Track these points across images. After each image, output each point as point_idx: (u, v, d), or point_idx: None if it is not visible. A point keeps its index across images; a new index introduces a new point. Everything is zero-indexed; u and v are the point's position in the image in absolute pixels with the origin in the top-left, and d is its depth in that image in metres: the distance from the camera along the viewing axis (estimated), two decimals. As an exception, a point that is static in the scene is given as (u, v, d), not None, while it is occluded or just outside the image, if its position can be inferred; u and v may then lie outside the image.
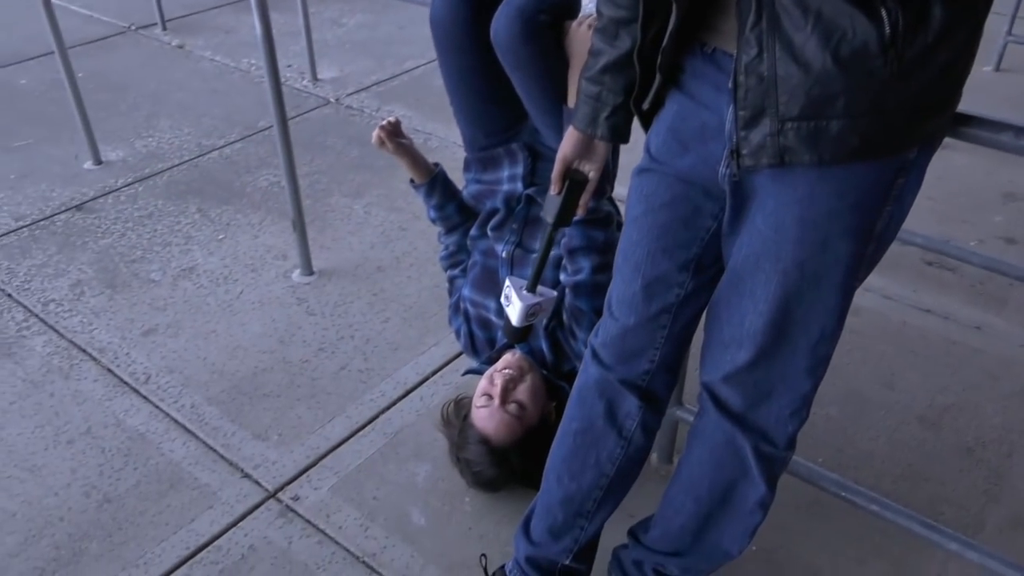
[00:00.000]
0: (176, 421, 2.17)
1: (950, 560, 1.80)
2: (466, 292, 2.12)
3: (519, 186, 2.04)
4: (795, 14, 1.00)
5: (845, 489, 1.66)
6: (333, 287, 2.66)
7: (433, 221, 2.22)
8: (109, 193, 3.16)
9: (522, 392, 1.85)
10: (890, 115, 1.04)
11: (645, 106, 1.27)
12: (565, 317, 1.92)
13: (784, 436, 1.35)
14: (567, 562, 1.60)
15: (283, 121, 2.40)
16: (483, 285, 2.08)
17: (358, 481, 2.01)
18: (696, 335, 1.44)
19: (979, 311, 2.54)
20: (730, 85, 1.09)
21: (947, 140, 1.20)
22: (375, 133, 2.08)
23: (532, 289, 1.61)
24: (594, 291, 1.85)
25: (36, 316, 2.54)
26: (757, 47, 1.04)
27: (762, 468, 1.36)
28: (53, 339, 2.45)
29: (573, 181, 1.41)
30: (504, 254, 2.05)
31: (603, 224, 1.89)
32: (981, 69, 4.00)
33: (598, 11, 1.26)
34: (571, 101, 1.82)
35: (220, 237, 2.91)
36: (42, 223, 2.98)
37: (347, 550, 1.85)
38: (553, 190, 1.43)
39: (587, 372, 1.49)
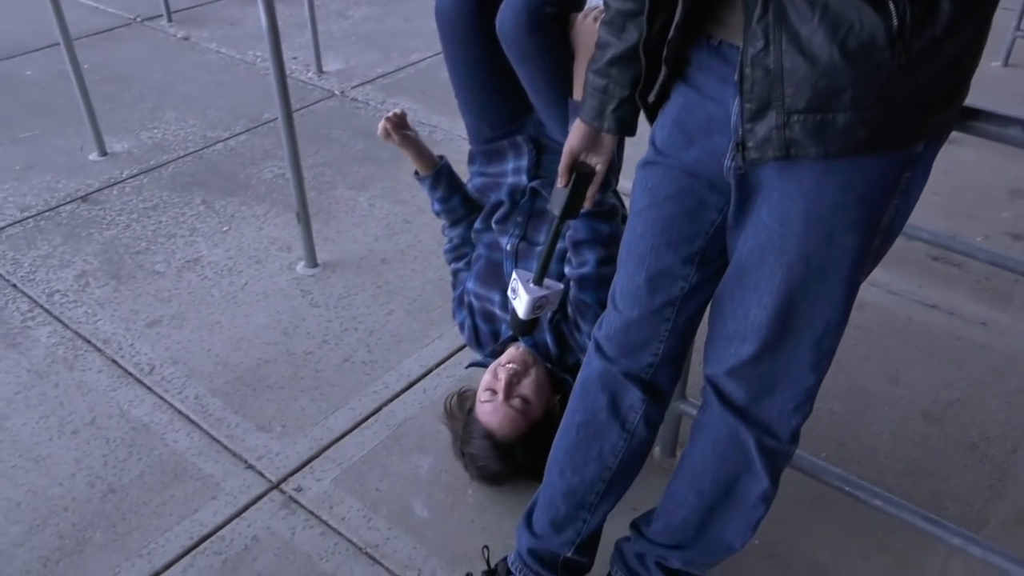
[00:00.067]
0: (180, 412, 2.18)
1: (953, 555, 1.80)
2: (470, 285, 2.12)
3: (524, 179, 2.04)
4: (802, 7, 0.99)
5: (848, 484, 1.66)
6: (337, 279, 2.66)
7: (437, 214, 2.22)
8: (114, 184, 3.16)
9: (526, 386, 1.85)
10: (897, 108, 1.03)
11: (650, 99, 1.27)
12: (570, 310, 1.92)
13: (788, 430, 1.34)
14: (569, 554, 1.60)
15: (288, 113, 2.40)
16: (487, 278, 2.08)
17: (361, 473, 2.01)
18: (700, 328, 1.44)
19: (985, 307, 2.53)
20: (736, 78, 1.08)
21: (954, 135, 1.19)
22: (381, 124, 2.08)
23: (539, 282, 1.60)
24: (599, 284, 1.85)
25: (41, 307, 2.54)
26: (763, 39, 1.03)
27: (765, 462, 1.36)
28: (58, 330, 2.45)
29: (580, 174, 1.41)
30: (508, 247, 2.04)
31: (608, 217, 1.89)
32: (989, 64, 3.99)
33: (605, 3, 1.26)
34: (577, 94, 1.82)
35: (225, 229, 2.91)
36: (47, 214, 2.99)
37: (350, 541, 1.85)
38: (560, 183, 1.42)
39: (590, 365, 1.48)
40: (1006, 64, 4.04)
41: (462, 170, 2.20)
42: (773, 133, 1.07)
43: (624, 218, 1.89)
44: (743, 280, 1.24)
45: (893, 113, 1.03)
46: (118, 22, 4.64)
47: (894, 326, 2.46)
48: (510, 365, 1.86)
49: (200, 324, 2.48)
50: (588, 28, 1.77)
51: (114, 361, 2.34)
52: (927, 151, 1.11)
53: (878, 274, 1.37)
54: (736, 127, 1.12)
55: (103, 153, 3.33)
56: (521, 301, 1.62)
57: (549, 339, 1.96)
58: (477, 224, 2.13)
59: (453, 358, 2.35)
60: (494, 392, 1.84)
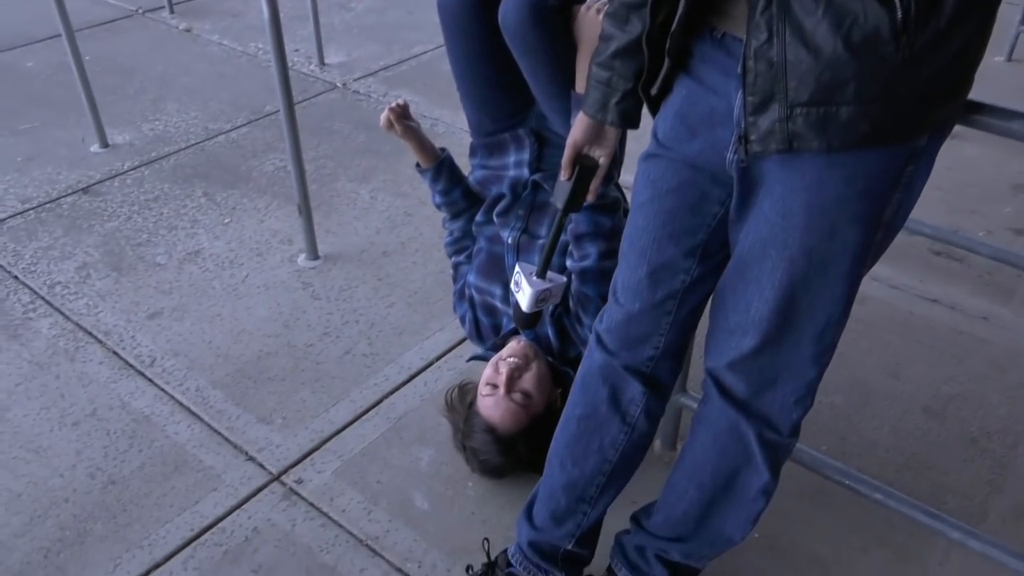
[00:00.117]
0: (181, 404, 2.18)
1: (952, 549, 1.80)
2: (471, 279, 2.12)
3: (525, 172, 2.03)
4: (806, -1, 0.99)
5: (848, 477, 1.66)
6: (338, 272, 2.66)
7: (438, 206, 2.22)
8: (115, 176, 3.16)
9: (528, 381, 1.85)
10: (901, 101, 1.03)
11: (653, 91, 1.27)
12: (571, 303, 1.92)
13: (788, 423, 1.35)
14: (569, 547, 1.60)
15: (290, 106, 2.39)
16: (488, 271, 2.08)
17: (362, 465, 2.02)
18: (701, 322, 1.44)
19: (986, 302, 2.53)
20: (739, 70, 1.08)
21: (957, 130, 1.19)
22: (383, 114, 2.07)
23: (542, 275, 1.60)
24: (600, 277, 1.84)
25: (42, 298, 2.54)
26: (767, 32, 1.03)
27: (766, 455, 1.36)
28: (59, 321, 2.45)
29: (583, 167, 1.40)
30: (510, 240, 2.04)
31: (610, 210, 1.88)
32: (992, 59, 3.98)
33: (608, -5, 1.25)
34: (579, 86, 1.81)
35: (226, 221, 2.91)
36: (48, 206, 2.98)
37: (350, 533, 1.85)
38: (563, 176, 1.42)
39: (591, 358, 1.48)
40: (1009, 59, 4.03)
41: (463, 163, 2.20)
42: (776, 126, 1.07)
43: (626, 211, 1.88)
44: (745, 273, 1.24)
45: (896, 106, 1.03)
46: (120, 13, 4.63)
47: (895, 320, 2.46)
48: (511, 359, 1.86)
49: (201, 316, 2.48)
50: (591, 20, 1.76)
51: (115, 353, 2.34)
52: (930, 145, 1.10)
53: (880, 268, 1.37)
54: (739, 120, 1.11)
55: (104, 145, 3.33)
56: (524, 294, 1.62)
57: (551, 332, 1.96)
58: (478, 217, 2.13)
59: (454, 351, 2.35)
60: (495, 386, 1.84)
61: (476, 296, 2.11)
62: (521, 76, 1.92)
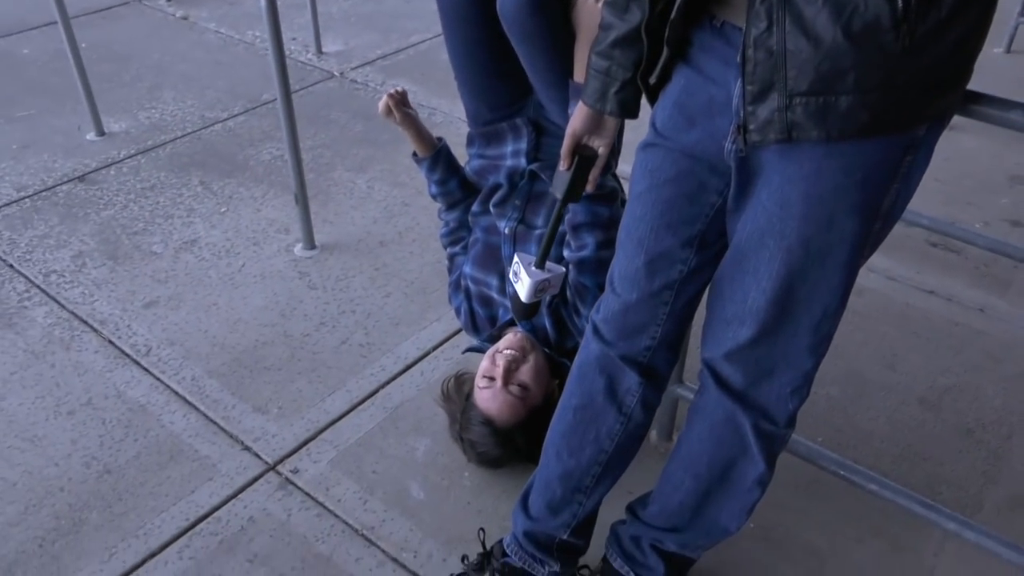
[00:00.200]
0: (177, 393, 2.18)
1: (947, 540, 1.81)
2: (467, 269, 2.11)
3: (522, 161, 2.03)
4: (806, -12, 0.98)
5: (844, 468, 1.66)
6: (335, 261, 2.65)
7: (434, 197, 2.21)
8: (112, 164, 3.15)
9: (525, 373, 1.84)
10: (900, 91, 1.02)
11: (652, 80, 1.26)
12: (569, 294, 1.91)
13: (784, 414, 1.34)
14: (565, 537, 1.61)
15: (287, 94, 2.38)
16: (485, 262, 2.07)
17: (358, 455, 2.02)
18: (698, 312, 1.44)
19: (983, 293, 2.53)
20: (738, 59, 1.07)
21: (955, 121, 1.18)
22: (382, 100, 2.06)
23: (541, 265, 1.60)
24: (598, 267, 1.84)
25: (37, 287, 2.54)
26: (767, 20, 1.02)
27: (762, 446, 1.36)
28: (54, 310, 2.45)
29: (582, 157, 1.40)
30: (507, 230, 2.03)
31: (608, 200, 1.88)
32: (991, 51, 3.97)
33: (608, -17, 1.24)
34: (577, 75, 1.81)
35: (222, 210, 2.90)
36: (44, 194, 2.97)
37: (346, 523, 1.85)
38: (562, 166, 1.42)
39: (588, 348, 1.48)
40: (1008, 51, 4.02)
41: (461, 153, 2.19)
42: (775, 115, 1.06)
43: (623, 201, 1.88)
44: (742, 264, 1.24)
45: (896, 96, 1.03)
46: (116, 1, 4.60)
47: (892, 312, 2.46)
48: (508, 351, 1.86)
49: (197, 305, 2.47)
50: (591, 9, 1.75)
51: (111, 342, 2.34)
52: (929, 135, 1.10)
53: (877, 260, 1.37)
54: (738, 109, 1.11)
55: (100, 133, 3.32)
56: (523, 284, 1.61)
57: (548, 323, 1.95)
58: (475, 207, 2.12)
59: (450, 341, 2.35)
60: (493, 379, 1.83)
61: (472, 287, 2.10)
62: (519, 65, 1.91)
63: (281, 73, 2.32)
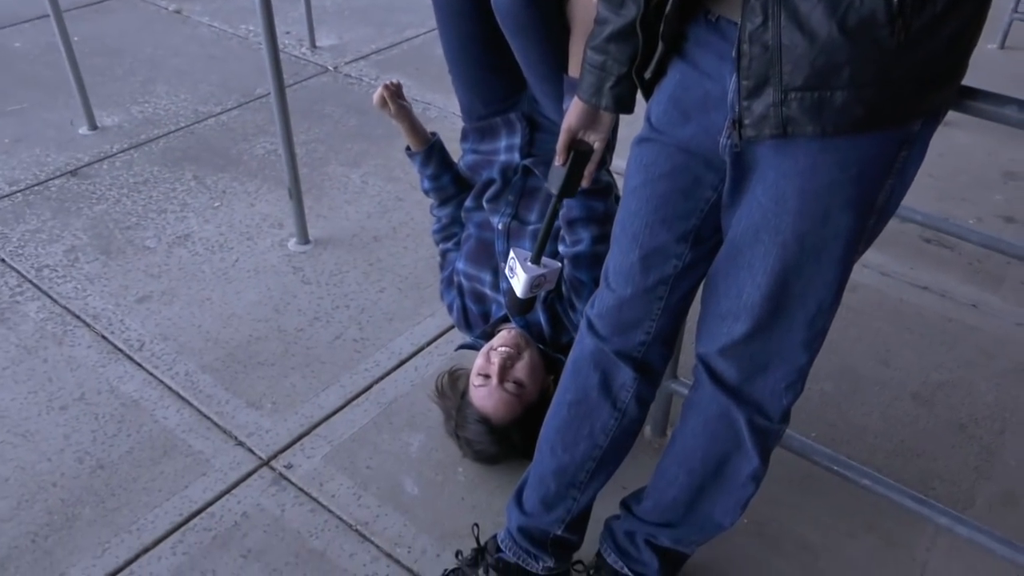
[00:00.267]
0: (170, 388, 2.17)
1: (940, 535, 1.82)
2: (460, 265, 2.11)
3: (516, 156, 2.02)
4: (801, -18, 0.98)
5: (837, 464, 1.66)
6: (329, 256, 2.65)
7: (427, 192, 2.20)
8: (104, 159, 3.13)
9: (520, 370, 1.84)
10: (896, 86, 1.02)
11: (647, 75, 1.26)
12: (564, 289, 1.91)
13: (779, 409, 1.34)
14: (559, 532, 1.61)
15: (280, 89, 2.37)
16: (477, 258, 2.07)
17: (351, 450, 2.01)
18: (692, 307, 1.44)
19: (976, 289, 2.54)
20: (734, 54, 1.07)
21: (950, 117, 1.18)
22: (377, 92, 2.05)
23: (536, 260, 1.60)
24: (594, 262, 1.84)
25: (30, 282, 2.52)
26: (762, 15, 1.02)
27: (756, 441, 1.36)
28: (47, 305, 2.44)
29: (578, 152, 1.40)
30: (500, 226, 2.03)
31: (602, 195, 1.88)
32: (986, 47, 3.97)
33: (603, -22, 1.24)
34: (572, 69, 1.80)
35: (216, 205, 2.89)
36: (36, 188, 2.96)
37: (340, 518, 1.85)
38: (557, 161, 1.41)
39: (582, 343, 1.48)
40: (1002, 47, 4.03)
41: (455, 148, 2.19)
42: (770, 111, 1.06)
43: (618, 196, 1.88)
44: (737, 259, 1.24)
45: (891, 91, 1.02)
46: (108, -6, 4.58)
47: (886, 307, 2.46)
48: (503, 348, 1.85)
49: (190, 300, 2.46)
50: (586, 3, 1.75)
51: (103, 337, 2.33)
52: (924, 130, 1.10)
53: (870, 255, 1.37)
54: (733, 104, 1.11)
55: (93, 127, 3.30)
56: (519, 280, 1.61)
57: (543, 319, 1.95)
58: (468, 203, 2.11)
59: (444, 336, 2.34)
60: (488, 376, 1.83)
61: (465, 283, 2.10)
62: (513, 59, 1.90)
63: (275, 67, 2.31)
